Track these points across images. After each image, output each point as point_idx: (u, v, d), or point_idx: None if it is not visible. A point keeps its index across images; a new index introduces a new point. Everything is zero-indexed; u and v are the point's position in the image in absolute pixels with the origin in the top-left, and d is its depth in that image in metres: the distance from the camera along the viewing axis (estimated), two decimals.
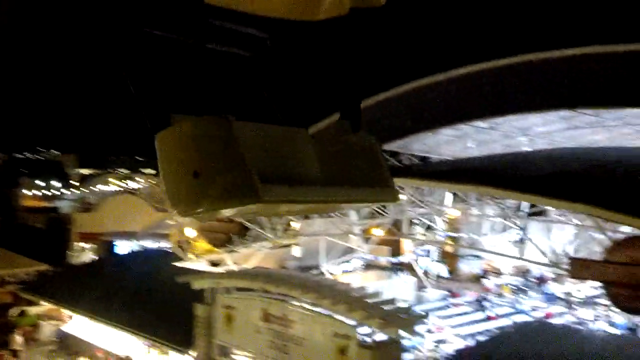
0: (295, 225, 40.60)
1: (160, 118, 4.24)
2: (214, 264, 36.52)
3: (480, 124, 39.49)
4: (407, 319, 17.74)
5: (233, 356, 22.66)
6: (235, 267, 34.25)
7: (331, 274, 38.80)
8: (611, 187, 19.30)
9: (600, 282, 16.88)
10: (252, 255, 35.66)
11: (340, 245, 40.35)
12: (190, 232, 40.45)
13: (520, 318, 36.42)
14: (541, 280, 47.16)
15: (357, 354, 17.47)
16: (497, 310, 38.40)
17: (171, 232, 41.64)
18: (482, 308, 39.35)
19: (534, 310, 38.44)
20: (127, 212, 49.96)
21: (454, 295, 42.55)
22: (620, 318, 36.42)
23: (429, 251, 46.19)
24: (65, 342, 32.61)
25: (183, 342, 23.59)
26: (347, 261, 39.98)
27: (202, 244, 42.00)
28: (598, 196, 18.64)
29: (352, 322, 18.23)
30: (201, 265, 35.24)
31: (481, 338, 32.16)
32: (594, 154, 31.49)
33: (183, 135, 4.18)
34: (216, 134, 4.06)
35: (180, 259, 37.74)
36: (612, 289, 16.14)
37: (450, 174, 24.07)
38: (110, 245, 52.01)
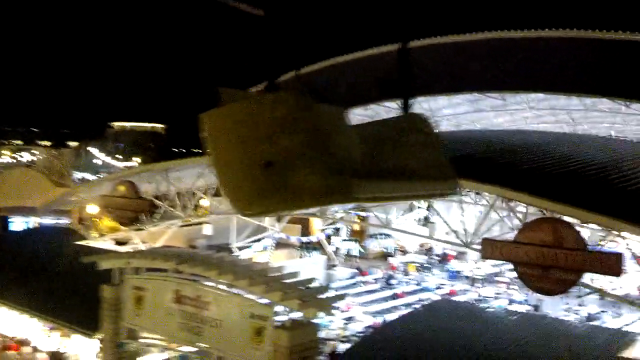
0: (204, 202, 39.76)
1: (203, 93, 3.48)
2: (120, 242, 35.18)
3: (391, 104, 39.93)
4: (325, 299, 17.70)
5: (142, 339, 21.91)
6: (143, 246, 33.14)
7: (241, 252, 38.39)
8: (516, 168, 20.01)
9: (511, 262, 17.40)
10: (160, 234, 34.62)
11: (251, 224, 39.91)
12: (93, 209, 38.76)
13: (426, 295, 37.48)
14: (444, 258, 48.76)
15: (273, 335, 17.24)
16: (404, 288, 39.35)
17: (72, 209, 39.82)
18: (389, 286, 40.19)
19: (439, 287, 39.64)
20: (24, 186, 47.12)
21: (362, 273, 43.20)
22: (520, 295, 38.30)
23: (338, 230, 46.61)
24: None
25: (88, 325, 22.55)
26: (258, 240, 39.60)
27: (106, 222, 40.38)
28: (505, 177, 19.29)
29: (269, 303, 17.96)
30: (106, 244, 33.84)
31: (390, 316, 32.90)
32: (499, 136, 32.41)
33: (254, 115, 3.42)
34: (299, 115, 3.36)
35: (82, 238, 36.12)
36: (522, 269, 16.68)
37: None
38: (4, 222, 49.05)
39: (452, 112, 43.82)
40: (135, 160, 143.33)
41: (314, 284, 18.63)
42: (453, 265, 46.77)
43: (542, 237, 16.41)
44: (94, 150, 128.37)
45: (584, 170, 20.24)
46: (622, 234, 16.70)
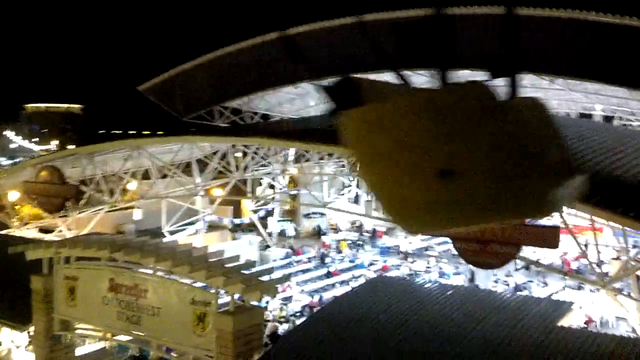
0: (132, 186, 38.67)
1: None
2: (44, 230, 33.76)
3: (323, 82, 39.84)
4: (269, 282, 17.52)
5: (77, 331, 21.13)
6: (69, 234, 31.91)
7: (172, 236, 37.58)
8: None
9: (449, 237, 17.72)
10: (87, 220, 33.40)
11: (181, 207, 39.10)
12: (13, 196, 37.00)
13: (359, 272, 37.92)
14: (374, 234, 49.44)
15: (217, 321, 16.96)
16: (338, 266, 39.66)
17: None
18: (324, 264, 40.41)
19: (371, 264, 40.16)
20: None
21: (296, 252, 43.24)
22: (450, 268, 39.34)
23: (272, 210, 46.40)
24: None
25: (18, 318, 21.54)
26: (191, 223, 38.84)
27: (29, 209, 38.68)
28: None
29: (211, 289, 17.65)
30: (29, 232, 32.38)
31: (326, 294, 33.11)
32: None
33: (421, 111, 2.86)
34: (493, 109, 2.79)
35: (3, 227, 34.49)
36: (460, 243, 17.01)
37: (300, 133, 23.93)
38: None
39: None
40: (53, 143, 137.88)
41: (256, 267, 18.37)
42: (383, 241, 47.55)
43: None
44: (9, 134, 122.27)
45: None
46: None
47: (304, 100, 45.94)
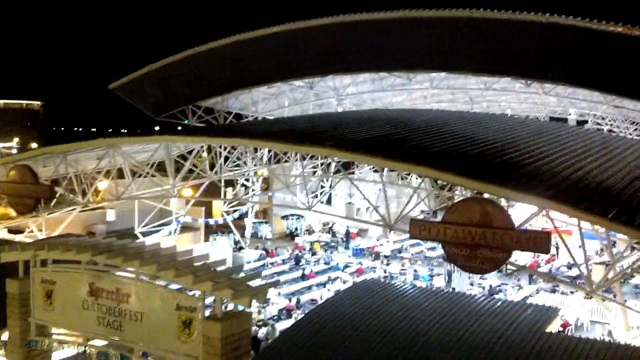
0: (102, 185, 37.77)
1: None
2: (14, 231, 32.76)
3: (297, 82, 39.72)
4: (258, 287, 17.20)
5: (54, 336, 20.46)
6: (40, 235, 31.02)
7: (145, 238, 36.87)
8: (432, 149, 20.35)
9: (439, 242, 17.67)
10: (59, 220, 32.51)
11: (153, 208, 38.43)
12: None
13: (335, 274, 37.77)
14: (348, 236, 49.38)
15: (204, 327, 16.55)
16: (313, 268, 39.44)
17: None
18: (298, 266, 40.19)
19: (346, 266, 40.05)
20: None
21: (270, 254, 42.91)
22: (424, 270, 39.49)
23: (247, 211, 45.93)
24: None
25: None
26: (164, 224, 38.18)
27: None
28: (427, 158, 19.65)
29: (197, 293, 17.24)
30: None
31: (303, 297, 32.89)
32: (401, 115, 32.79)
33: None
34: None
35: None
36: (451, 248, 16.97)
37: (275, 134, 23.55)
38: None
39: (355, 91, 44.15)
40: (15, 141, 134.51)
41: (243, 272, 18.04)
42: (357, 242, 47.53)
43: (471, 216, 16.73)
44: None
45: (490, 150, 20.94)
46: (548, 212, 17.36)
47: (278, 100, 45.64)
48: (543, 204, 16.20)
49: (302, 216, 48.26)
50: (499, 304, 19.58)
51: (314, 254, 43.67)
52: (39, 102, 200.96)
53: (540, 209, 17.11)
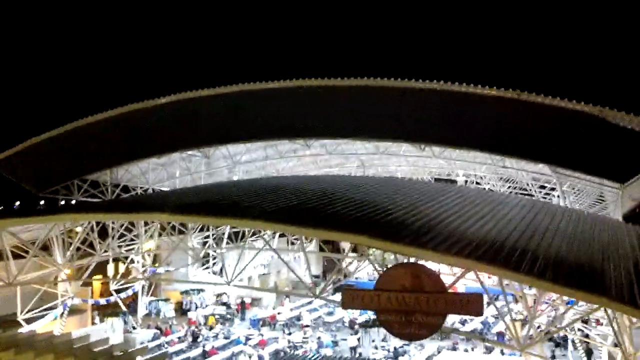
0: None
1: None
2: None
3: (192, 152, 39.07)
4: None
5: None
6: None
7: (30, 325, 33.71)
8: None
9: (373, 310, 17.46)
10: None
11: (37, 290, 35.31)
12: None
13: (238, 348, 36.36)
14: (243, 306, 48.17)
15: None
16: (213, 343, 37.76)
17: None
18: (196, 343, 38.34)
19: (248, 339, 38.73)
20: None
21: (165, 333, 40.69)
22: (327, 337, 39.01)
23: (140, 289, 43.50)
24: None
25: None
26: (50, 308, 35.12)
27: None
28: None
29: None
30: None
31: None
32: (302, 183, 33.01)
33: None
34: None
35: None
36: (385, 316, 16.80)
37: (196, 208, 22.62)
38: None
39: (249, 158, 43.98)
40: None
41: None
42: (252, 312, 46.37)
43: (403, 282, 16.74)
44: None
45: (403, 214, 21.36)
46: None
47: (167, 170, 44.41)
48: (473, 265, 16.49)
49: (202, 290, 46.54)
50: None
51: (211, 328, 41.93)
52: None
53: (466, 270, 17.44)
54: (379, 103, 31.97)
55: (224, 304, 49.17)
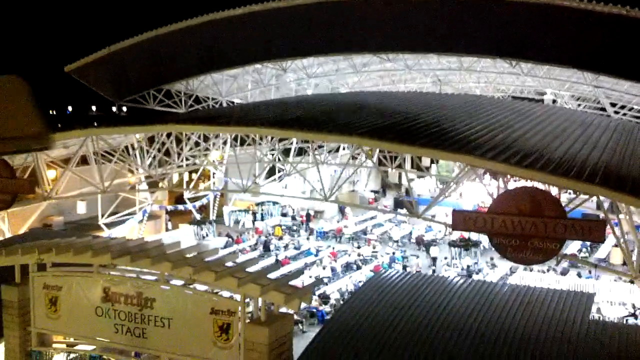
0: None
1: None
2: None
3: (270, 64, 38.50)
4: (306, 289, 16.20)
5: (57, 345, 18.73)
6: (6, 229, 28.51)
7: (111, 229, 34.81)
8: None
9: (486, 233, 17.19)
10: (26, 213, 29.98)
11: (116, 196, 36.21)
12: None
13: (310, 259, 36.92)
14: (308, 219, 48.55)
15: (248, 332, 15.43)
16: (285, 253, 38.44)
17: None
18: (269, 252, 39.08)
19: (319, 250, 39.24)
20: None
21: (236, 241, 41.54)
22: (397, 252, 39.18)
23: (212, 199, 44.23)
24: None
25: None
26: (130, 214, 36.10)
27: None
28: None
29: (236, 296, 16.07)
30: None
31: None
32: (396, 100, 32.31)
33: None
34: None
35: None
36: (499, 239, 16.52)
37: (299, 122, 22.30)
38: None
39: (322, 71, 43.17)
40: None
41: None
42: (320, 225, 46.76)
43: (520, 206, 16.30)
44: None
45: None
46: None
47: (238, 81, 44.02)
48: (596, 191, 15.95)
49: (278, 203, 46.88)
50: (529, 291, 19.37)
51: (280, 238, 42.58)
52: None
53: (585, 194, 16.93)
54: (470, 13, 30.42)
55: (284, 214, 49.68)
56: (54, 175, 33.68)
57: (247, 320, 15.99)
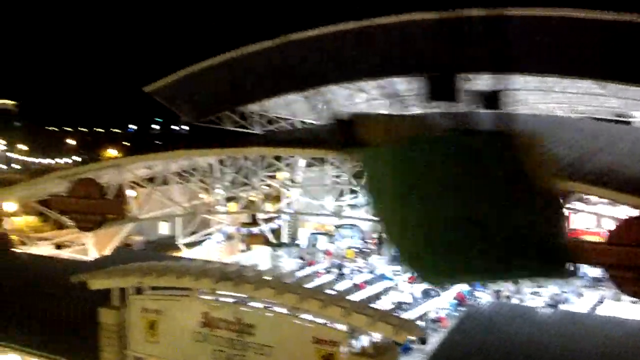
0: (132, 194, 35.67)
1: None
2: (59, 245, 30.59)
3: (350, 85, 38.26)
4: (413, 322, 15.63)
5: None
6: (93, 249, 28.90)
7: (190, 249, 34.99)
8: None
9: (603, 266, 16.26)
10: (110, 233, 30.33)
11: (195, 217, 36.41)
12: (10, 207, 33.53)
13: (386, 284, 36.14)
14: (379, 240, 47.69)
15: None
16: (360, 277, 37.77)
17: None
18: (343, 275, 38.47)
19: (396, 274, 38.41)
20: None
21: (309, 263, 41.14)
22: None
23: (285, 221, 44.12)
24: None
25: (84, 355, 18.86)
26: (209, 235, 36.24)
27: (30, 221, 35.42)
28: None
29: (341, 326, 15.59)
30: (44, 249, 29.21)
31: None
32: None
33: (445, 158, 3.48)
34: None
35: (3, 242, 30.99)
36: (616, 272, 15.58)
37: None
38: None
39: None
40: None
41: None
42: (389, 247, 45.82)
43: (637, 236, 15.36)
44: None
45: None
46: None
47: (310, 101, 43.84)
48: None
49: (356, 225, 46.23)
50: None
51: (353, 261, 41.93)
52: (13, 102, 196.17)
53: None
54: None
55: (362, 238, 48.93)
56: (134, 194, 34.19)
57: (351, 351, 15.47)
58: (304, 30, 35.32)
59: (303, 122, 44.68)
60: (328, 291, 16.32)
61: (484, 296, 34.00)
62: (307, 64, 36.40)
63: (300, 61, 36.25)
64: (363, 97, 43.71)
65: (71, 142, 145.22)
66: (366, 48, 34.48)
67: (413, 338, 16.71)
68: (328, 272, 39.64)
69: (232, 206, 36.77)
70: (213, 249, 36.10)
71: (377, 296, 25.84)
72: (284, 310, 16.37)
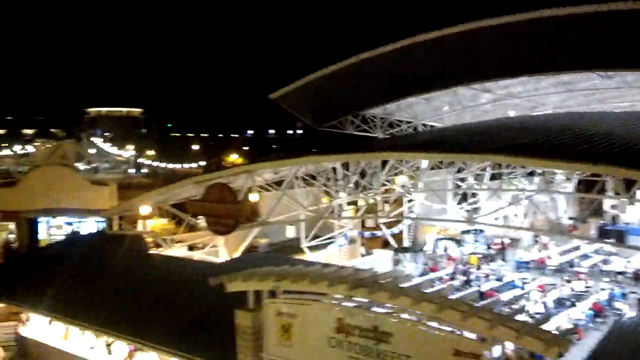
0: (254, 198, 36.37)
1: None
2: (191, 247, 31.79)
3: (475, 85, 37.27)
4: (567, 339, 14.72)
5: None
6: (224, 251, 29.80)
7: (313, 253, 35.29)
8: None
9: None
10: (240, 236, 31.18)
11: (317, 220, 36.70)
12: (144, 210, 35.15)
13: (515, 292, 34.69)
14: (502, 247, 46.00)
15: None
16: (486, 285, 36.49)
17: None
18: (469, 282, 37.32)
19: (525, 282, 36.80)
20: (57, 185, 42.97)
21: (432, 269, 40.30)
22: (615, 288, 35.61)
23: (407, 226, 43.60)
24: (25, 349, 27.12)
25: (220, 357, 19.35)
26: (332, 238, 36.42)
27: (162, 223, 37.07)
28: None
29: (481, 338, 14.93)
30: (179, 250, 30.42)
31: None
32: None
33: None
34: None
35: (141, 245, 32.53)
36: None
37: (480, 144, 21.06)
38: (32, 223, 44.98)
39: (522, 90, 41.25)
40: (128, 148, 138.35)
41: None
42: (519, 255, 43.98)
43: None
44: (96, 140, 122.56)
45: None
46: None
47: (432, 103, 43.11)
48: None
49: (482, 230, 45.03)
50: None
51: (478, 268, 40.62)
52: (139, 110, 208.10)
53: None
54: None
55: (488, 245, 47.42)
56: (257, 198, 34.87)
57: None
58: (426, 32, 34.76)
59: (424, 125, 44.03)
60: (468, 301, 15.64)
61: (624, 307, 31.84)
62: (430, 66, 35.84)
63: (423, 63, 35.73)
64: (488, 97, 42.49)
65: (195, 147, 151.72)
66: (494, 47, 33.42)
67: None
68: (452, 278, 38.66)
69: (353, 210, 36.75)
70: (335, 252, 36.21)
71: (509, 306, 24.59)
72: (423, 319, 15.92)
